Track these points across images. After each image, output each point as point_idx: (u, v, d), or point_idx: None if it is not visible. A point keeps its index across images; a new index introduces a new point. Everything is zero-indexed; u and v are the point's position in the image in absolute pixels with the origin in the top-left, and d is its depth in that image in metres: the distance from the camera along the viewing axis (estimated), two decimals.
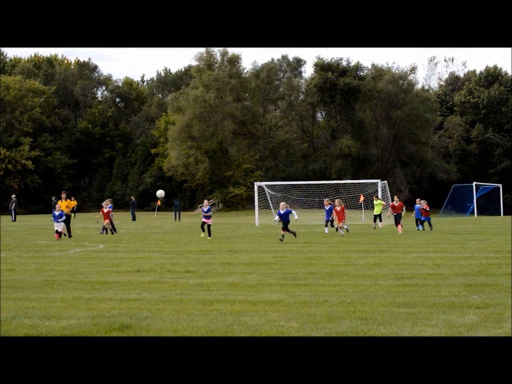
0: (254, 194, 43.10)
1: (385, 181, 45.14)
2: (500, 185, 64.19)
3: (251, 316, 8.59)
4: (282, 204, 24.06)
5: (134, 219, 49.30)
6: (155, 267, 14.94)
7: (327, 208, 29.57)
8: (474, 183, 61.21)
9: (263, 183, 45.52)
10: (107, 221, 28.60)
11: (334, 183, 49.29)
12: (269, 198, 43.17)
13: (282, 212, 23.53)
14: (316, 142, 78.56)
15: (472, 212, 60.36)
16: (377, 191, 40.10)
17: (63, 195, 27.62)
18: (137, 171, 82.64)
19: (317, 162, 73.20)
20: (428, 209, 30.93)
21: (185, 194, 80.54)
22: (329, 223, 29.65)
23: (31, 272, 14.24)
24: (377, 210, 32.44)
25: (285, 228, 23.37)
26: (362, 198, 40.14)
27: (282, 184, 47.05)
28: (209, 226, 25.49)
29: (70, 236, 26.46)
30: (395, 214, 29.72)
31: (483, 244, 20.95)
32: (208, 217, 25.54)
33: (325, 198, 34.85)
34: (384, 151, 74.70)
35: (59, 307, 9.52)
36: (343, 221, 27.35)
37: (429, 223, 30.86)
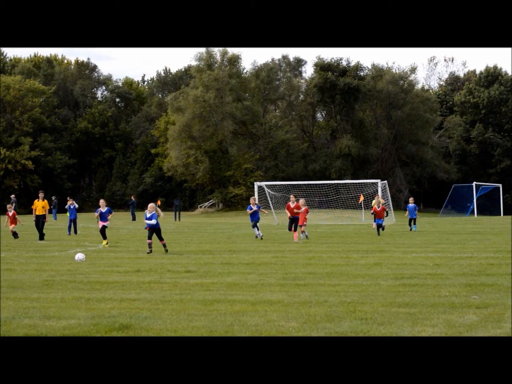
0: (254, 194, 43.07)
1: (385, 181, 45.13)
2: (500, 185, 64.15)
3: (251, 316, 8.58)
4: (150, 205, 19.03)
5: (134, 219, 49.29)
6: (155, 267, 14.93)
7: (254, 208, 24.59)
8: (474, 183, 61.17)
9: (263, 183, 45.48)
10: (13, 225, 25.87)
11: (334, 183, 49.29)
12: (269, 198, 43.12)
13: (148, 215, 18.74)
14: (316, 142, 78.52)
15: (472, 212, 60.33)
16: (377, 191, 40.10)
17: (41, 195, 26.27)
18: (137, 171, 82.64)
19: (317, 162, 73.15)
20: (387, 210, 26.69)
21: (185, 194, 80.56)
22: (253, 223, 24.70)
23: (31, 272, 14.25)
24: None
25: (152, 236, 18.67)
26: (362, 198, 40.14)
27: (282, 184, 47.03)
28: (104, 228, 21.70)
29: (42, 237, 24.87)
30: (291, 217, 23.70)
31: (483, 244, 20.93)
32: (105, 219, 21.90)
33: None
34: (384, 151, 74.69)
35: (59, 307, 9.52)
36: (304, 224, 23.47)
37: (381, 226, 26.25)
